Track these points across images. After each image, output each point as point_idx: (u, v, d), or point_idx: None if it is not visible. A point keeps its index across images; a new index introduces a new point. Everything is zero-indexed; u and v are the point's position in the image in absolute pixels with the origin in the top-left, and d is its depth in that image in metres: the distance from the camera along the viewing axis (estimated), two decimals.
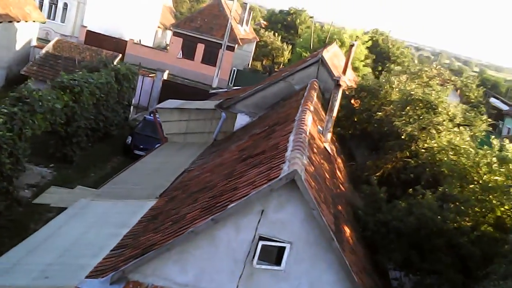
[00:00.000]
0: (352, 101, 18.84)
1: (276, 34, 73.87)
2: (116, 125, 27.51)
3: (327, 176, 11.54)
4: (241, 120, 20.17)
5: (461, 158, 12.34)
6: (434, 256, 11.45)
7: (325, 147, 13.29)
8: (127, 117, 29.70)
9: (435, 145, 12.94)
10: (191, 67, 51.01)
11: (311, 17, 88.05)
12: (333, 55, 24.54)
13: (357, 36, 36.62)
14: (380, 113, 16.48)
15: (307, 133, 11.25)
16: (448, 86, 18.90)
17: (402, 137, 14.40)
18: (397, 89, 16.45)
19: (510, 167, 11.67)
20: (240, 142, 15.15)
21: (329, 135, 13.77)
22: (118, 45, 51.90)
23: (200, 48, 51.17)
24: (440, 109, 14.61)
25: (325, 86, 19.59)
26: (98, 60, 29.21)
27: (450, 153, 12.66)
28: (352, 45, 22.75)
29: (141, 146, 25.51)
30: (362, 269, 10.20)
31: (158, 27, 72.11)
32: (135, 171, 17.08)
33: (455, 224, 11.35)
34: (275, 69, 74.19)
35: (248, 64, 59.52)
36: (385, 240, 11.84)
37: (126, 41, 52.10)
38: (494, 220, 11.70)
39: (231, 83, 50.57)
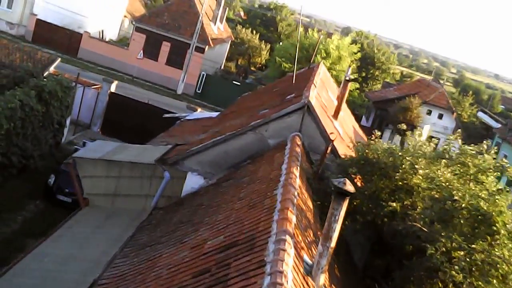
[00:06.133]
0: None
1: (254, 32, 68.03)
2: (40, 156, 21.33)
3: None
4: (192, 182, 14.38)
5: None
6: None
7: None
8: (58, 142, 23.53)
9: None
10: (154, 68, 44.43)
11: (292, 14, 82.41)
12: (321, 86, 18.83)
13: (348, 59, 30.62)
14: (393, 204, 10.82)
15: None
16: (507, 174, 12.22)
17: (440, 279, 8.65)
18: (423, 174, 10.78)
19: None
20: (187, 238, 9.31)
21: (322, 278, 8.05)
22: (71, 38, 45.37)
23: (166, 48, 44.52)
24: (498, 227, 8.89)
25: (311, 143, 13.89)
26: (22, 70, 22.65)
27: None
28: (348, 80, 17.20)
29: (67, 190, 19.30)
30: None
31: (125, 16, 65.31)
32: (14, 278, 11.00)
33: None
34: (251, 69, 68.36)
35: (221, 66, 53.40)
36: None
37: (81, 34, 45.42)
38: None
39: (199, 90, 44.43)
